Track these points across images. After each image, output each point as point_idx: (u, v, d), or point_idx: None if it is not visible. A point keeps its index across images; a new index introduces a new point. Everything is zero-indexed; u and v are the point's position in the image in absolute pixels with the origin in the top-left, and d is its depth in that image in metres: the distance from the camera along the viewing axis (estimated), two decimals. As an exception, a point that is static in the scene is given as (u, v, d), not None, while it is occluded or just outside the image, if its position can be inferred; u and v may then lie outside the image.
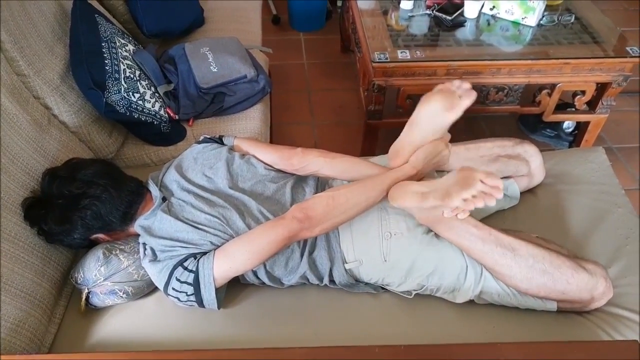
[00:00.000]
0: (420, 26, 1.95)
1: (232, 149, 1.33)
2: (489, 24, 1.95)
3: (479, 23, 1.96)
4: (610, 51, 1.80)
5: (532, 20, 1.90)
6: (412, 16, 2.00)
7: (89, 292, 1.16)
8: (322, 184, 1.29)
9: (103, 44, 1.48)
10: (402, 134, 1.21)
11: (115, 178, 1.19)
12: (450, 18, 1.93)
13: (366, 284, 1.21)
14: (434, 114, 1.15)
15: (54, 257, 1.19)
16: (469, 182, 1.01)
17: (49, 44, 1.41)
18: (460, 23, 1.94)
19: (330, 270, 1.18)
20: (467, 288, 1.14)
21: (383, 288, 1.21)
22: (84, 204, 1.13)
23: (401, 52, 1.76)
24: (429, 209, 1.10)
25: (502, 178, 1.33)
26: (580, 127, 2.10)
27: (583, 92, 1.89)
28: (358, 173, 1.24)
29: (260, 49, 2.03)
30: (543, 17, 1.93)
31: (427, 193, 1.07)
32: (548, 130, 2.26)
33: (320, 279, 1.19)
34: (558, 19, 1.94)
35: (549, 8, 1.97)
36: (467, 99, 1.12)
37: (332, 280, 1.20)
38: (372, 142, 2.01)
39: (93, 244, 1.22)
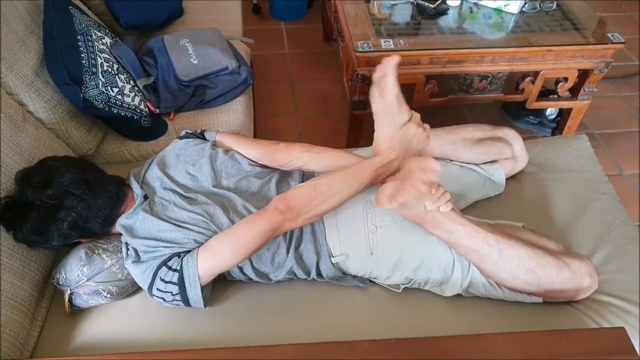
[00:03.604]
0: (402, 14, 1.94)
1: (214, 145, 1.30)
2: (471, 12, 1.95)
3: (461, 11, 1.95)
4: (591, 37, 1.81)
5: (514, 7, 1.89)
6: (395, 4, 1.98)
7: (71, 293, 1.14)
8: (307, 177, 1.28)
9: (78, 37, 1.44)
10: (375, 130, 1.22)
11: (92, 184, 1.13)
12: (432, 6, 1.92)
13: (354, 277, 1.20)
14: (379, 103, 1.17)
15: (34, 258, 1.16)
16: (410, 176, 1.03)
17: (21, 37, 1.36)
18: (442, 11, 1.93)
19: (317, 264, 1.17)
20: (454, 281, 1.14)
21: (371, 281, 1.21)
22: (60, 216, 1.09)
23: (384, 42, 1.75)
24: (408, 207, 1.08)
25: (487, 162, 1.34)
26: (563, 114, 2.12)
27: (565, 79, 1.90)
28: (343, 166, 1.22)
29: (241, 40, 1.99)
30: (525, 4, 1.93)
31: (394, 193, 1.06)
32: (531, 117, 2.28)
33: (308, 273, 1.18)
34: (540, 6, 1.94)
35: (530, -5, 1.97)
36: (389, 75, 1.14)
37: (319, 274, 1.19)
38: (357, 133, 2.00)
39: (75, 244, 1.19)
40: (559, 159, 1.48)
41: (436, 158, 1.32)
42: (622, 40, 1.77)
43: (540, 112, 2.24)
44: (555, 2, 1.96)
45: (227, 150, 1.29)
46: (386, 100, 1.15)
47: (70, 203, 1.09)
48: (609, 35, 1.79)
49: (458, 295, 1.16)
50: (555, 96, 1.99)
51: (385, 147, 1.18)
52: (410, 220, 1.14)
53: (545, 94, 2.00)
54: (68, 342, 1.11)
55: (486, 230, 1.10)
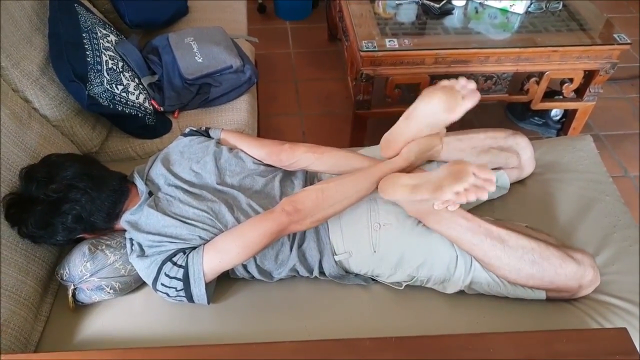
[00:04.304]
0: (408, 14, 1.93)
1: (219, 142, 1.31)
2: (477, 12, 1.94)
3: (467, 11, 1.95)
4: (597, 38, 1.80)
5: (520, 7, 1.89)
6: (400, 4, 1.98)
7: (75, 289, 1.14)
8: (310, 176, 1.28)
9: (84, 35, 1.44)
10: (396, 125, 1.18)
11: (96, 178, 1.15)
12: (438, 6, 1.92)
13: (356, 275, 1.20)
14: (433, 112, 1.13)
15: (39, 253, 1.17)
16: (461, 175, 1.00)
17: (26, 34, 1.37)
18: (448, 11, 1.92)
19: (320, 262, 1.17)
20: (457, 278, 1.14)
21: (373, 279, 1.21)
22: (65, 209, 1.10)
23: (389, 41, 1.75)
24: (419, 202, 1.09)
25: (492, 169, 1.33)
26: (568, 115, 2.11)
27: (571, 80, 1.89)
28: (348, 167, 1.22)
29: (246, 39, 2.00)
30: (531, 4, 1.92)
31: (418, 186, 1.06)
32: (536, 118, 2.27)
33: (310, 271, 1.18)
34: (546, 6, 1.93)
35: (536, -5, 1.96)
36: (470, 101, 1.10)
37: (322, 272, 1.19)
38: (360, 133, 2.00)
39: (79, 240, 1.19)
40: (564, 159, 1.47)
41: (438, 161, 1.33)
42: (628, 41, 1.77)
43: (545, 113, 2.23)
44: (562, 2, 1.95)
45: (231, 149, 1.29)
46: (448, 117, 1.12)
47: (74, 196, 1.10)
48: (615, 36, 1.79)
49: (460, 293, 1.16)
50: (561, 97, 1.98)
51: (396, 150, 1.17)
52: (412, 214, 1.13)
53: (551, 94, 1.99)
54: (71, 337, 1.12)
55: (488, 224, 1.10)
